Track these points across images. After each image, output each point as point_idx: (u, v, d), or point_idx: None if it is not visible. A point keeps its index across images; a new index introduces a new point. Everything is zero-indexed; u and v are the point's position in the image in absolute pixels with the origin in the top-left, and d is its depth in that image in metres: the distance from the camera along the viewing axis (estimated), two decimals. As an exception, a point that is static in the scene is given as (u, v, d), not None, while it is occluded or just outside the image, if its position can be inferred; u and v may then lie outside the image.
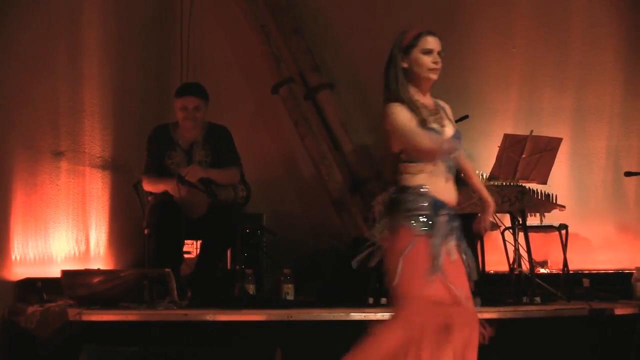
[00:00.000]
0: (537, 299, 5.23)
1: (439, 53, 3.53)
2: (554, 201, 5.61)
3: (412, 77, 3.55)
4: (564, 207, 5.68)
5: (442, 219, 3.43)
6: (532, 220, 5.65)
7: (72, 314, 4.69)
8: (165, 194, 5.44)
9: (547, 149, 5.57)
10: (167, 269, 5.03)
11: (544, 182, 5.62)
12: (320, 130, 6.71)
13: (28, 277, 5.57)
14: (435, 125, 3.47)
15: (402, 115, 3.44)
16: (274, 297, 5.61)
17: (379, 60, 6.81)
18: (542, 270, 6.12)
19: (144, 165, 5.61)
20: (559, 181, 6.22)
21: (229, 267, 5.80)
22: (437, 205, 3.44)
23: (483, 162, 5.76)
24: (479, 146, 6.12)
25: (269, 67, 6.74)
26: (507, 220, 5.79)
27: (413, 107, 3.47)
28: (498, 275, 6.01)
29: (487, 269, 5.87)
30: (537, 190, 5.51)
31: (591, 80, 6.54)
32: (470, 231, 5.74)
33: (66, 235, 5.99)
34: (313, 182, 6.82)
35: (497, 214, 5.59)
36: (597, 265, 6.27)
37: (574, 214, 6.03)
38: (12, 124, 5.80)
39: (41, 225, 5.87)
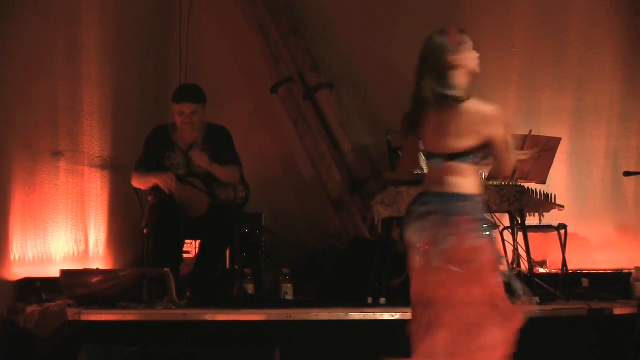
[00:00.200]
0: (536, 298, 5.23)
1: None
2: (553, 201, 5.62)
3: (462, 74, 3.61)
4: (562, 207, 5.68)
5: None
6: (531, 220, 5.65)
7: (71, 313, 4.70)
8: (163, 193, 5.44)
9: (546, 148, 5.56)
10: (166, 269, 5.03)
11: (543, 182, 5.62)
12: (320, 130, 6.71)
13: (27, 277, 5.57)
14: None
15: None
16: (273, 297, 5.61)
17: (378, 60, 6.89)
18: (541, 270, 6.12)
19: (135, 161, 5.61)
20: (558, 181, 6.22)
21: (228, 267, 5.80)
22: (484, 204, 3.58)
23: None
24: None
25: (268, 67, 6.74)
26: (506, 220, 5.79)
27: None
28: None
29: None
30: (536, 190, 5.51)
31: (590, 80, 6.54)
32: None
33: (65, 235, 5.99)
34: (312, 182, 6.81)
35: (496, 214, 5.59)
36: (596, 265, 6.27)
37: (573, 214, 6.03)
38: (11, 123, 5.79)
39: (40, 225, 5.87)
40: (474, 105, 3.46)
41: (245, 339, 4.69)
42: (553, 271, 6.11)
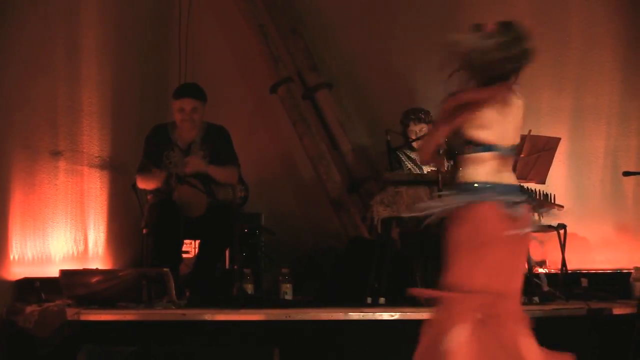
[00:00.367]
0: (536, 298, 5.23)
1: None
2: (553, 201, 5.61)
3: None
4: (562, 206, 5.68)
5: None
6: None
7: (71, 313, 4.69)
8: (163, 193, 5.44)
9: (546, 148, 5.56)
10: (165, 269, 5.03)
11: (543, 182, 5.62)
12: (319, 130, 6.71)
13: (26, 277, 5.57)
14: None
15: None
16: (272, 297, 5.61)
17: (377, 60, 6.90)
18: (540, 270, 6.12)
19: (138, 164, 5.62)
20: (558, 181, 6.22)
21: (227, 266, 5.80)
22: None
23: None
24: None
25: (267, 67, 6.75)
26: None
27: None
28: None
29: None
30: (535, 189, 5.51)
31: (589, 80, 6.54)
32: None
33: (64, 235, 5.99)
34: (311, 182, 6.82)
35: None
36: (596, 265, 6.27)
37: (572, 214, 6.02)
38: (10, 123, 5.80)
39: (39, 225, 5.87)
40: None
41: (245, 338, 4.69)
42: (552, 271, 6.11)
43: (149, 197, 5.59)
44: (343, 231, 6.53)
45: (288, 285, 5.59)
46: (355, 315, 4.75)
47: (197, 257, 5.56)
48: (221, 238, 5.46)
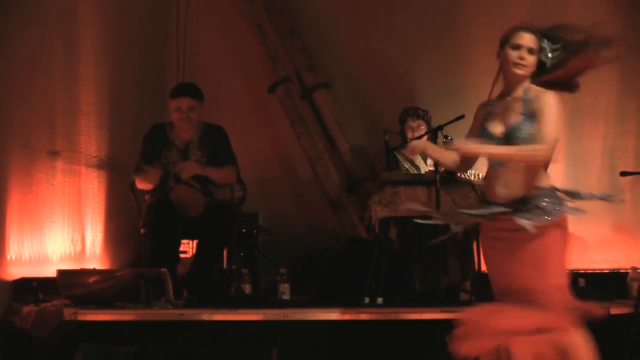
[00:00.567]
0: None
1: (530, 50, 3.60)
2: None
3: (503, 72, 3.68)
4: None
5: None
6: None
7: (68, 313, 4.69)
8: (161, 193, 5.44)
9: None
10: (163, 269, 5.03)
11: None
12: (317, 130, 6.71)
13: (24, 277, 5.57)
14: (492, 124, 3.64)
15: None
16: (270, 297, 5.60)
17: (375, 60, 6.89)
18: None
19: (135, 164, 5.61)
20: (555, 180, 6.18)
21: (225, 266, 5.80)
22: (486, 203, 3.65)
23: (480, 161, 5.75)
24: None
25: (265, 67, 6.75)
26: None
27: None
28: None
29: (482, 268, 5.86)
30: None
31: (587, 80, 6.48)
32: (465, 231, 5.75)
33: (62, 235, 5.99)
34: (309, 182, 6.81)
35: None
36: (593, 265, 6.27)
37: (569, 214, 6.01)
38: (8, 123, 5.80)
39: (37, 225, 5.87)
40: None
41: (243, 339, 4.69)
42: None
43: (146, 197, 5.59)
44: (341, 231, 6.53)
45: (286, 285, 5.59)
46: (353, 315, 4.75)
47: (195, 257, 5.56)
48: (219, 238, 5.46)
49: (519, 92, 3.64)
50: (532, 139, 3.55)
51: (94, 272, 5.29)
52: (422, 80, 6.63)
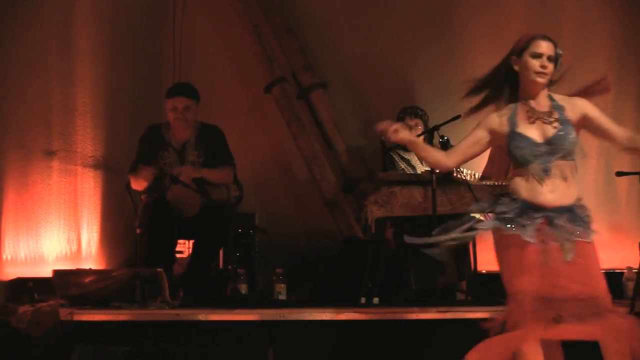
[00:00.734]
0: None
1: (549, 58, 3.62)
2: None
3: (522, 80, 3.65)
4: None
5: (536, 220, 3.52)
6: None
7: (64, 313, 4.68)
8: (157, 192, 5.43)
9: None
10: (159, 269, 5.02)
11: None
12: (313, 130, 6.71)
13: (19, 277, 5.57)
14: (528, 130, 3.59)
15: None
16: (266, 297, 5.61)
17: (371, 60, 6.89)
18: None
19: (130, 164, 5.61)
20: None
21: (221, 266, 5.79)
22: (526, 208, 3.54)
23: (476, 161, 5.73)
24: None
25: (262, 67, 6.74)
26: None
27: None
28: (490, 275, 6.00)
29: (479, 268, 5.87)
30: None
31: (583, 80, 6.52)
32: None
33: (58, 235, 5.98)
34: (306, 182, 6.81)
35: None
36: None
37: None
38: (4, 123, 5.80)
39: (33, 225, 5.87)
40: None
41: (239, 339, 4.69)
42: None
43: (142, 196, 5.58)
44: (337, 231, 6.53)
45: (282, 285, 5.59)
46: (349, 315, 4.75)
47: (191, 257, 5.56)
48: (215, 238, 5.46)
49: (544, 99, 3.66)
50: (575, 145, 3.64)
51: (89, 272, 5.29)
52: (418, 80, 6.64)
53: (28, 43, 5.97)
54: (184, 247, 5.88)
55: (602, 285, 3.50)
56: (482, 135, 3.73)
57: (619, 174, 5.76)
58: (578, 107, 3.70)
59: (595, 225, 3.65)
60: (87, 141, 6.24)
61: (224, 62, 6.93)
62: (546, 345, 3.50)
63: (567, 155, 3.62)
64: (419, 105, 6.07)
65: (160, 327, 4.70)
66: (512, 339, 3.43)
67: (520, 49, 3.65)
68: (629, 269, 5.74)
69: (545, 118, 3.63)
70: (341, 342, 4.73)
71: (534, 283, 3.44)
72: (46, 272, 5.34)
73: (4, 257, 5.64)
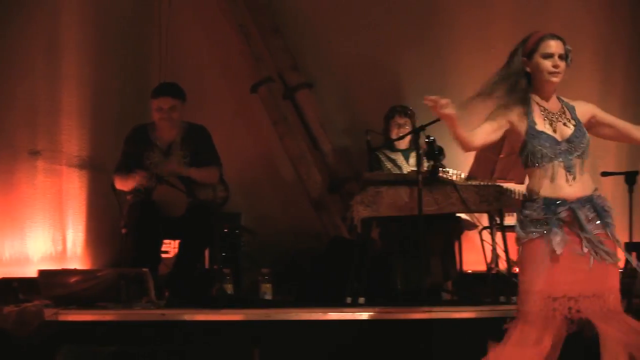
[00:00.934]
0: (514, 298, 5.23)
1: (560, 56, 3.65)
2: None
3: (535, 81, 3.65)
4: (542, 207, 5.67)
5: (561, 214, 3.52)
6: (510, 220, 5.66)
7: (49, 313, 4.66)
8: (142, 192, 5.42)
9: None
10: (144, 269, 5.01)
11: (522, 182, 5.61)
12: (299, 130, 6.71)
13: (4, 277, 5.55)
14: (547, 129, 3.59)
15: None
16: (252, 297, 5.60)
17: (358, 60, 6.89)
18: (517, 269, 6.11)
19: (116, 164, 5.59)
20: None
21: (207, 266, 5.78)
22: (548, 204, 3.53)
23: (462, 161, 5.76)
24: (458, 146, 6.13)
25: (248, 67, 6.74)
26: (485, 219, 5.80)
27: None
28: (475, 275, 6.02)
29: (464, 268, 5.89)
30: (515, 190, 5.51)
31: (569, 80, 6.52)
32: (448, 231, 5.75)
33: (43, 235, 5.97)
34: (292, 182, 6.81)
35: (476, 214, 5.60)
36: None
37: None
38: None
39: (17, 225, 5.85)
40: None
41: (224, 339, 4.68)
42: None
43: (128, 197, 5.56)
44: (323, 231, 6.53)
45: (268, 286, 5.58)
46: (335, 315, 4.75)
47: (177, 257, 5.55)
48: (201, 238, 5.45)
49: (554, 99, 3.71)
50: (589, 145, 3.64)
51: (75, 272, 5.27)
52: (404, 79, 6.65)
53: (14, 43, 5.96)
54: (170, 247, 5.86)
55: (617, 284, 3.53)
56: (503, 123, 3.69)
57: (605, 174, 5.79)
58: (585, 108, 3.75)
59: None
60: (72, 141, 6.23)
61: (210, 61, 6.92)
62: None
63: (583, 155, 3.61)
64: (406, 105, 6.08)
65: (146, 327, 4.69)
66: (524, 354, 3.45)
67: (530, 50, 3.65)
68: (615, 268, 5.75)
69: (561, 118, 3.64)
70: (327, 342, 4.73)
71: (552, 283, 3.51)
72: (31, 272, 5.32)
73: (-11, 257, 5.63)
